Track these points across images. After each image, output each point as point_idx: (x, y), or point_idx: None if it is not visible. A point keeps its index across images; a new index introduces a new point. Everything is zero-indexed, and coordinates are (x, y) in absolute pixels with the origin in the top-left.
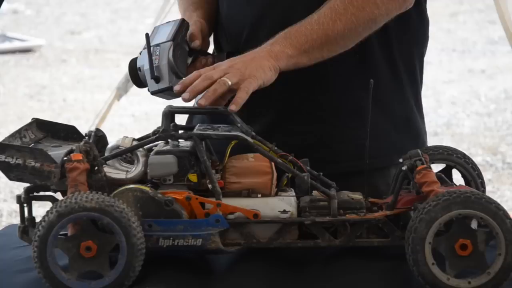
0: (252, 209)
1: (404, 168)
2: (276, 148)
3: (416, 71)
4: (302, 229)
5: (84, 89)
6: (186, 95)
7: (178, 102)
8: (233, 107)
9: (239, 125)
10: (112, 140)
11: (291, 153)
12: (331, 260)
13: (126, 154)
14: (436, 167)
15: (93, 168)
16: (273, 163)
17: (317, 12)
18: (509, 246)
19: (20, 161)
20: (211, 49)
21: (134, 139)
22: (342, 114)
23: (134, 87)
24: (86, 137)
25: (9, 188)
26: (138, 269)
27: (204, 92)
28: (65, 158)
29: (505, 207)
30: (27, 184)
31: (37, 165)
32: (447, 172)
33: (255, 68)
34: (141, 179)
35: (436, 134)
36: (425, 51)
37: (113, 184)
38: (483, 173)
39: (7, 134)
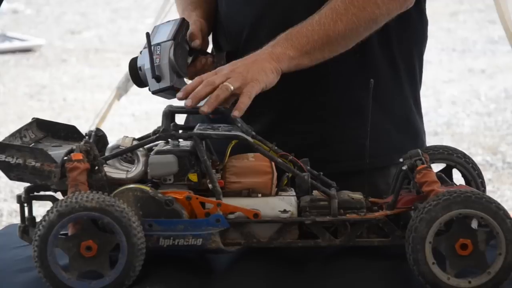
0: (253, 208)
1: (404, 167)
2: (276, 147)
3: (416, 70)
4: (302, 229)
5: (84, 89)
6: (188, 101)
7: (178, 101)
8: (236, 113)
9: (239, 124)
10: (112, 140)
11: (291, 152)
12: (331, 259)
13: (126, 153)
14: (436, 167)
15: (93, 167)
16: (273, 163)
17: (318, 12)
18: (509, 245)
19: (20, 160)
20: (209, 49)
21: (134, 139)
22: (342, 113)
23: (134, 86)
24: (86, 137)
25: (9, 187)
26: (138, 269)
27: (206, 99)
28: (65, 158)
29: (505, 207)
30: (27, 184)
31: (38, 164)
32: (447, 171)
33: (257, 71)
34: (142, 178)
35: (436, 133)
36: (424, 50)
37: (114, 184)
38: (483, 173)
39: (7, 134)
